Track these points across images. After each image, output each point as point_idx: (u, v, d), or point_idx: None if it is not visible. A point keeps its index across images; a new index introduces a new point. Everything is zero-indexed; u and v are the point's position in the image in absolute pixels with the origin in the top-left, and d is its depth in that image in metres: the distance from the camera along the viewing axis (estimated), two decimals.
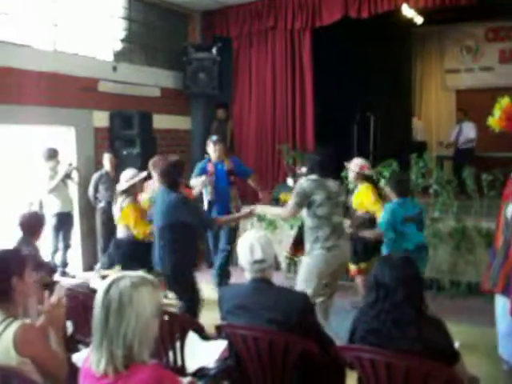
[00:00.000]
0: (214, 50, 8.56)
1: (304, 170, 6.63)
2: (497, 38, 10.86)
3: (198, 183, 5.82)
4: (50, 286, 2.92)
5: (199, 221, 4.46)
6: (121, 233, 5.04)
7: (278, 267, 6.88)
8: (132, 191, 4.96)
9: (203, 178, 5.88)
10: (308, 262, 4.29)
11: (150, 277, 1.90)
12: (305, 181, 4.31)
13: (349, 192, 5.86)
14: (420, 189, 6.54)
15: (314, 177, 4.32)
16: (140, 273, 1.90)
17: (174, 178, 4.38)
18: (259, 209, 6.99)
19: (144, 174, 5.15)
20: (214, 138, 6.32)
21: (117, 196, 5.10)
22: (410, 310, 2.41)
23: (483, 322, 4.74)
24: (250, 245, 2.81)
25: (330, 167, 4.51)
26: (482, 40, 11.00)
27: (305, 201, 4.24)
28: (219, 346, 3.00)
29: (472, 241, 6.07)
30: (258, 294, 2.75)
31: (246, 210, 5.38)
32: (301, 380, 2.67)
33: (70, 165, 6.96)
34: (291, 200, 4.36)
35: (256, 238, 2.83)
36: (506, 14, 10.05)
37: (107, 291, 1.81)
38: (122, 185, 4.95)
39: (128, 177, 4.98)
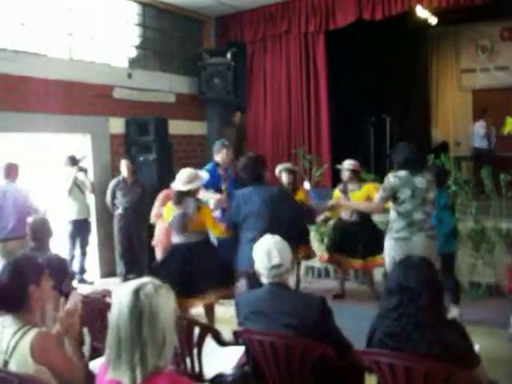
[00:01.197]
0: (229, 55, 8.59)
1: (307, 185, 6.75)
2: None
3: (210, 197, 5.29)
4: (67, 293, 2.93)
5: (303, 211, 4.51)
6: (193, 238, 4.60)
7: None
8: (194, 194, 4.63)
9: (218, 196, 5.40)
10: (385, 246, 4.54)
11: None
12: (393, 177, 4.36)
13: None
14: None
15: (402, 173, 4.36)
16: (148, 278, 1.84)
17: (260, 171, 4.45)
18: None
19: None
20: (226, 142, 6.23)
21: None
22: (432, 313, 2.38)
23: (504, 324, 4.69)
24: (267, 250, 2.79)
25: (420, 162, 4.58)
26: (498, 39, 10.90)
27: (390, 196, 4.36)
28: (238, 352, 2.98)
29: (491, 242, 6.00)
30: (274, 299, 2.73)
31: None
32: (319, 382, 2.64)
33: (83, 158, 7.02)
34: (378, 194, 4.48)
35: (273, 243, 2.82)
36: None
37: (136, 298, 1.73)
38: (182, 186, 4.56)
39: (186, 178, 4.58)
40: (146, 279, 1.82)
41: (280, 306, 2.69)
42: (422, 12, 9.05)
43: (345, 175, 5.80)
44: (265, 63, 8.99)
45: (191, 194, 4.55)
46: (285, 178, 6.15)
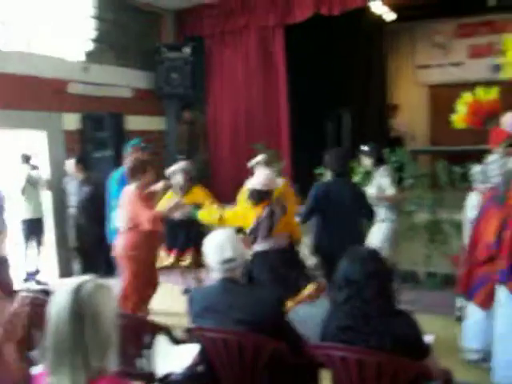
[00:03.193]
0: (187, 50, 8.50)
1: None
2: (466, 34, 11.02)
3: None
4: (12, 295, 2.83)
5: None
6: (281, 241, 4.29)
7: None
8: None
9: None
10: None
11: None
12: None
13: None
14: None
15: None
16: (88, 276, 1.73)
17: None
18: None
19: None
20: (143, 144, 5.75)
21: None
22: (381, 304, 2.39)
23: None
24: (219, 243, 2.72)
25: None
26: (452, 36, 11.15)
27: None
28: (192, 350, 2.94)
29: (445, 233, 6.14)
30: (227, 295, 2.68)
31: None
32: (273, 381, 2.63)
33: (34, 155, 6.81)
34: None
35: (226, 237, 2.76)
36: (475, 11, 10.23)
37: (75, 298, 1.61)
38: (259, 185, 4.22)
39: (264, 180, 4.23)
40: (86, 277, 1.71)
41: (233, 301, 2.64)
42: (378, 8, 9.18)
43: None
44: (223, 58, 8.93)
45: (269, 195, 4.21)
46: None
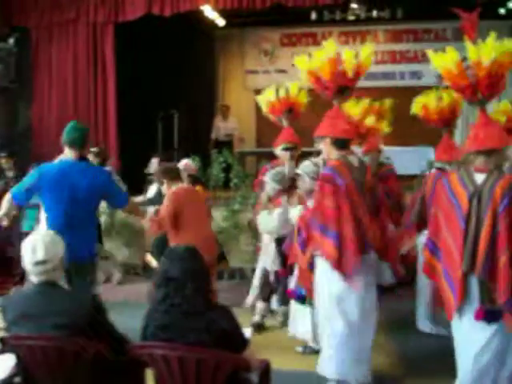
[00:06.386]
0: (11, 41, 7.99)
1: None
2: (290, 43, 11.78)
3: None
4: None
5: None
6: None
7: None
8: None
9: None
10: None
11: None
12: None
13: None
14: (221, 183, 6.92)
15: None
16: None
17: None
18: None
19: None
20: None
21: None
22: (199, 301, 2.48)
23: None
24: (32, 244, 2.63)
25: None
26: (278, 44, 11.82)
27: None
28: (8, 362, 2.78)
29: None
30: (43, 299, 2.59)
31: None
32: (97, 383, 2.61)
33: None
34: None
35: (40, 238, 2.67)
36: (297, 22, 11.01)
37: None
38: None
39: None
40: None
41: (49, 305, 2.56)
42: (210, 13, 9.43)
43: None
44: (51, 52, 8.52)
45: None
46: None
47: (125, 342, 2.65)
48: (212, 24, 10.49)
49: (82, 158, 4.01)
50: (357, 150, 4.53)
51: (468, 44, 3.14)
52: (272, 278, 4.72)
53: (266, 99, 5.28)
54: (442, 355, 3.73)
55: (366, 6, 10.08)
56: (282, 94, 5.15)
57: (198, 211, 4.63)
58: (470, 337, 3.10)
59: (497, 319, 3.02)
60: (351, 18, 10.52)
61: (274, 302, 4.99)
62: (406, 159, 8.25)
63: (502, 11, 9.28)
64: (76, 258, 3.36)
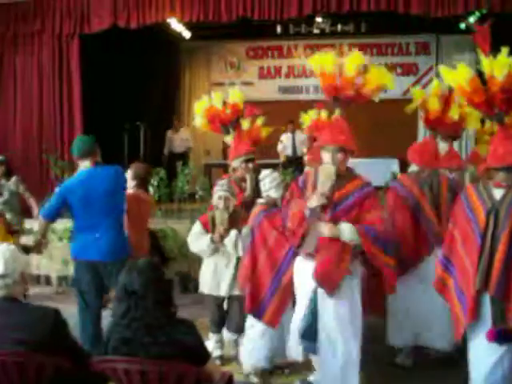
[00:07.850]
0: None
1: None
2: (256, 56, 11.92)
3: None
4: None
5: None
6: None
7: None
8: None
9: None
10: None
11: None
12: None
13: None
14: (187, 195, 6.95)
15: None
16: None
17: None
18: None
19: None
20: None
21: None
22: (161, 314, 2.46)
23: None
24: None
25: None
26: (244, 57, 11.97)
27: None
28: None
29: None
30: (2, 315, 2.55)
31: None
32: None
33: None
34: None
35: (1, 251, 2.61)
36: (263, 35, 11.15)
37: None
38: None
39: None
40: None
41: (8, 321, 2.52)
42: (176, 25, 9.48)
43: None
44: (16, 63, 8.50)
45: None
46: None
47: (87, 356, 2.63)
48: (178, 36, 10.55)
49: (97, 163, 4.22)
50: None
51: (482, 57, 3.10)
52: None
53: (205, 109, 5.15)
54: None
55: (330, 20, 10.29)
56: (231, 100, 5.03)
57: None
58: (482, 355, 3.08)
59: (509, 340, 2.98)
60: (316, 31, 10.72)
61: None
62: (371, 170, 8.37)
63: (463, 26, 9.54)
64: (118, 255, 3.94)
